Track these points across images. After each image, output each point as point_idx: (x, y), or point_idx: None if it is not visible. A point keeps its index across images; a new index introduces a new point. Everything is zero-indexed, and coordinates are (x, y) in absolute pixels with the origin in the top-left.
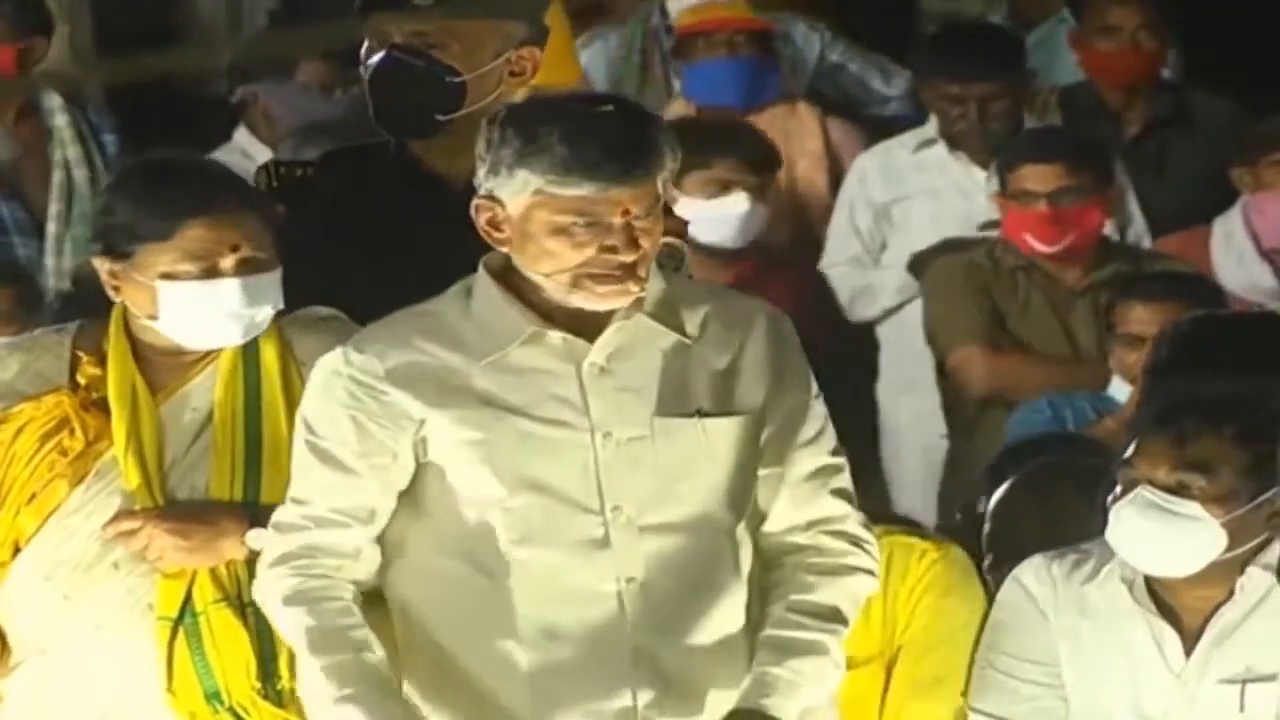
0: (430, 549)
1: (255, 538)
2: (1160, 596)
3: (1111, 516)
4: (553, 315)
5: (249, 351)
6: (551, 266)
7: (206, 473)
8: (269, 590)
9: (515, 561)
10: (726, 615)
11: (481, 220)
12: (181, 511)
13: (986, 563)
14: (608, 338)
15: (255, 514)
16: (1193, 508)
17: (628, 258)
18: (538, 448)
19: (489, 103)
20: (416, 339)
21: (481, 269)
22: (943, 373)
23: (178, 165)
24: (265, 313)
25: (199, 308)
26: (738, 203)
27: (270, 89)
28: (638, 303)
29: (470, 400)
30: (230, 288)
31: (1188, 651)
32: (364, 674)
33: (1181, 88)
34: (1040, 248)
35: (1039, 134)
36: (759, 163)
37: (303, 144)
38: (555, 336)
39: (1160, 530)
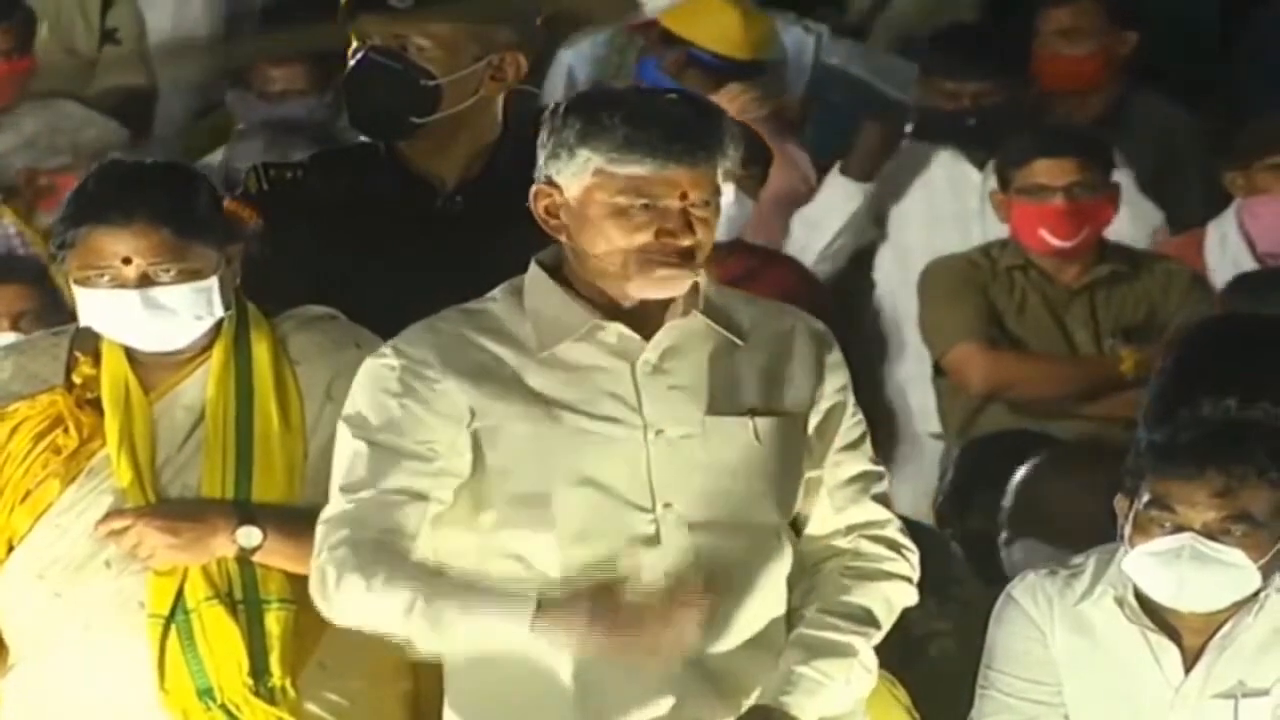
0: (480, 549)
1: (246, 535)
2: (1158, 612)
3: (1145, 560)
4: (608, 311)
5: (241, 350)
6: (608, 249)
7: (199, 471)
8: (327, 572)
9: (566, 559)
10: (767, 615)
11: (539, 207)
12: (171, 509)
13: (1002, 537)
14: (662, 335)
15: (246, 511)
16: (1237, 556)
17: (684, 242)
18: (590, 444)
19: (468, 106)
20: (468, 333)
21: (534, 265)
22: (939, 372)
23: (113, 171)
24: (193, 321)
25: (106, 313)
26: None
27: (234, 96)
28: (691, 302)
29: (523, 395)
30: (129, 299)
31: (1187, 666)
32: (468, 581)
33: (1124, 89)
34: (1056, 242)
35: (1047, 129)
36: (747, 157)
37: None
38: (612, 331)
39: (1201, 576)
